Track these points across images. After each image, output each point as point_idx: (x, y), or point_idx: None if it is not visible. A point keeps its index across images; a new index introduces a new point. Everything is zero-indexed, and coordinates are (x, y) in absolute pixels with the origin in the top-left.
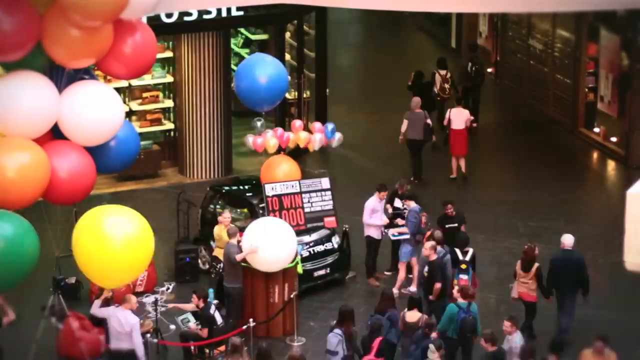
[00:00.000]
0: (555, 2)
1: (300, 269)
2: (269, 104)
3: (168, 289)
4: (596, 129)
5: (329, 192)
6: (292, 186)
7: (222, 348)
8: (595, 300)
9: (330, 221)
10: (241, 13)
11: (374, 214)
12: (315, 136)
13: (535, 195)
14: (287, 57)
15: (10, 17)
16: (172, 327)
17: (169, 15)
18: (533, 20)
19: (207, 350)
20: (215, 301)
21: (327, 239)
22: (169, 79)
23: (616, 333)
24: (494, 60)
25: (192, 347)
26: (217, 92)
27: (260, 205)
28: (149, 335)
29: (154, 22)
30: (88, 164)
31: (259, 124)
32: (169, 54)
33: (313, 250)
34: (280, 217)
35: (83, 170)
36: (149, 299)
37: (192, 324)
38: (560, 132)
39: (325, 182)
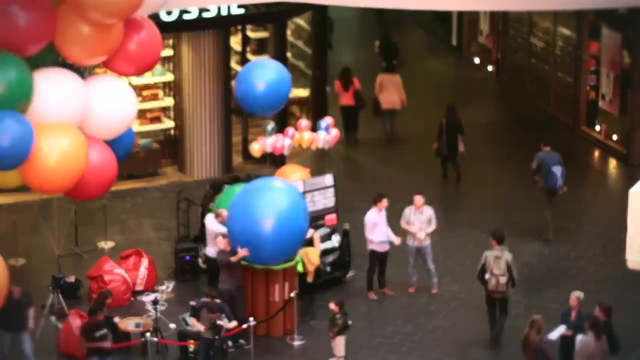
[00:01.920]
0: (556, 0)
1: (300, 268)
2: (270, 110)
3: (168, 287)
4: (597, 127)
5: (331, 189)
6: (296, 187)
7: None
8: (597, 299)
9: (331, 219)
10: (241, 11)
11: (375, 228)
12: (319, 135)
13: (537, 193)
14: (288, 54)
15: (29, 12)
16: (172, 325)
17: (168, 13)
18: (534, 18)
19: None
20: (218, 301)
21: (328, 237)
22: (169, 77)
23: (617, 332)
24: (495, 59)
25: (191, 347)
26: (217, 90)
27: None
28: (148, 334)
29: (154, 21)
30: (112, 157)
31: (269, 127)
32: (169, 52)
33: None
34: None
35: (109, 163)
36: (148, 298)
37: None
38: (562, 131)
39: (328, 179)
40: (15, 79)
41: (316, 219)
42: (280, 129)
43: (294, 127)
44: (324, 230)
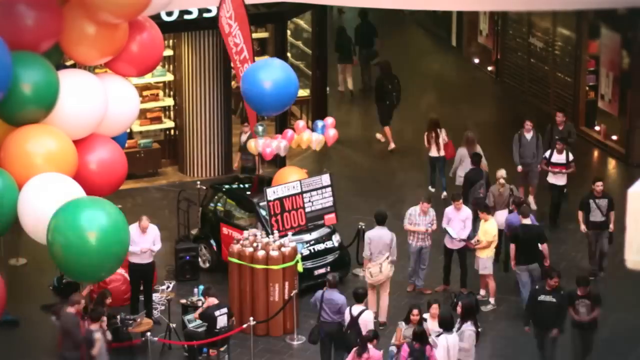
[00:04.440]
0: (556, 0)
1: (300, 268)
2: (276, 110)
3: (168, 287)
4: (597, 128)
5: (329, 189)
6: (293, 187)
7: (222, 349)
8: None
9: (330, 218)
10: None
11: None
12: (312, 136)
13: (536, 193)
14: (288, 54)
15: (37, 11)
16: (172, 325)
17: (169, 14)
18: (533, 18)
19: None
20: (215, 300)
21: (328, 237)
22: (169, 77)
23: (618, 332)
24: (495, 59)
25: (195, 347)
26: (217, 90)
27: (260, 204)
28: (149, 334)
29: (155, 21)
30: (122, 154)
31: (260, 129)
32: (169, 52)
33: (313, 248)
34: (282, 219)
35: (119, 161)
36: None
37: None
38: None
39: (325, 179)
40: (44, 79)
41: (315, 219)
42: (281, 129)
43: (291, 128)
44: (324, 230)
